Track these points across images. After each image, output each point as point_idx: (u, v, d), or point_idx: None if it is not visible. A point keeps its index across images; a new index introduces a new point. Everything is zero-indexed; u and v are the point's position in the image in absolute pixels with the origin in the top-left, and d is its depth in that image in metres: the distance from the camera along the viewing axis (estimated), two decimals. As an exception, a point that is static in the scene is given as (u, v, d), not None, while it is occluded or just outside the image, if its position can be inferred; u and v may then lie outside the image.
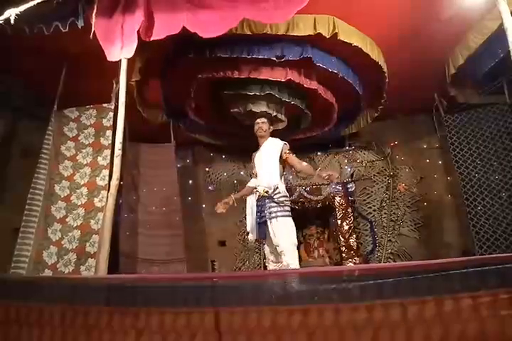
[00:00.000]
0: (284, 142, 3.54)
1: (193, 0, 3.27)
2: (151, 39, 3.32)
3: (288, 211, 3.30)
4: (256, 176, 3.59)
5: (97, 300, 1.56)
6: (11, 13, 2.82)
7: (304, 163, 3.41)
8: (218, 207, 3.45)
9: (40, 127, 4.51)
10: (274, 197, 3.30)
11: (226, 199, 3.50)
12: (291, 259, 3.11)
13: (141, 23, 3.27)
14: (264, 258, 5.93)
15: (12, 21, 2.82)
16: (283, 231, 3.20)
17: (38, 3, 2.90)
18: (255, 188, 3.46)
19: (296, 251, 3.23)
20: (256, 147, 3.74)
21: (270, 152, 3.52)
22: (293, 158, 3.42)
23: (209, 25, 3.24)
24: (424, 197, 6.09)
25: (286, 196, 3.36)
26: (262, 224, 3.29)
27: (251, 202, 3.44)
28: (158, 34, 3.30)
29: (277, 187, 3.33)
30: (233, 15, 3.20)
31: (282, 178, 3.49)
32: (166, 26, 3.29)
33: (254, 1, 3.14)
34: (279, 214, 3.23)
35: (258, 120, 3.71)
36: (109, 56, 3.36)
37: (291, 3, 3.07)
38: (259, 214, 3.34)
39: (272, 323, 1.37)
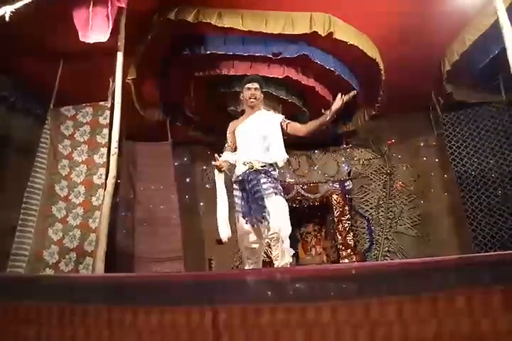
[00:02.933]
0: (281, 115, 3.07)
1: None
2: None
3: (282, 191, 2.79)
4: (234, 150, 3.01)
5: (94, 298, 1.56)
6: (6, 10, 2.81)
7: (308, 125, 2.84)
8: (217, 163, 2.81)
9: (36, 124, 4.49)
10: (272, 172, 2.79)
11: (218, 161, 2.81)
12: (288, 246, 2.65)
13: None
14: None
15: (7, 18, 2.80)
16: (282, 210, 2.68)
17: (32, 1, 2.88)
18: (245, 162, 2.79)
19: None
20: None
21: (268, 124, 2.93)
22: (294, 124, 2.92)
23: None
24: (421, 195, 6.11)
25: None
26: (258, 200, 2.69)
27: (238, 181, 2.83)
28: None
29: (276, 164, 2.83)
30: None
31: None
32: None
33: None
34: (276, 190, 2.71)
35: (249, 85, 3.00)
36: (81, 37, 3.40)
37: None
38: (252, 190, 2.73)
39: (271, 321, 1.37)
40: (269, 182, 2.72)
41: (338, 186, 6.15)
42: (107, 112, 4.10)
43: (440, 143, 5.94)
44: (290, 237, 2.70)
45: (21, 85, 4.87)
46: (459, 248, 5.56)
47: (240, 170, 2.83)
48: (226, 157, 2.93)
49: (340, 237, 5.87)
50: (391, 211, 6.04)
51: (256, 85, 3.00)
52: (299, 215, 6.39)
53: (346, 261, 5.72)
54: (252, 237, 2.76)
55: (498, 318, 1.24)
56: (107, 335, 1.46)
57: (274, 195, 2.67)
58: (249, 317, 1.38)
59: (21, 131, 5.15)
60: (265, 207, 2.65)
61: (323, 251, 6.40)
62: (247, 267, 2.81)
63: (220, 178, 2.88)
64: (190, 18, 3.83)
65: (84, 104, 4.32)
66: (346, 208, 6.03)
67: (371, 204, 6.14)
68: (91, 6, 3.40)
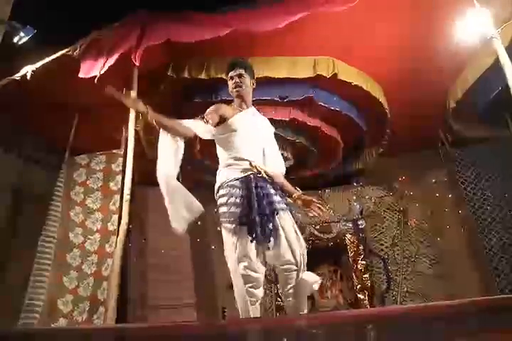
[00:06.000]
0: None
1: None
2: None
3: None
4: (211, 124, 2.39)
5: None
6: (28, 69, 2.99)
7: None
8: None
9: (51, 174, 4.58)
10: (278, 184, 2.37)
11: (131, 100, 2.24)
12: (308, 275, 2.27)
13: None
14: (277, 300, 5.76)
15: (28, 77, 2.98)
16: (295, 231, 2.28)
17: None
18: (250, 162, 2.33)
19: None
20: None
21: (269, 130, 2.62)
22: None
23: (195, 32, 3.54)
24: (437, 233, 5.96)
25: None
26: (269, 216, 2.22)
27: (237, 185, 2.35)
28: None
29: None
30: (221, 26, 3.47)
31: None
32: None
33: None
34: (288, 207, 2.31)
35: (232, 72, 2.43)
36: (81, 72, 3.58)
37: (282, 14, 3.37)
38: (261, 201, 2.24)
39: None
40: (280, 195, 2.31)
41: (351, 225, 6.06)
42: (120, 160, 4.19)
43: (452, 178, 5.89)
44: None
45: (37, 137, 5.05)
46: (482, 286, 5.31)
47: (236, 171, 2.34)
48: (191, 124, 2.29)
49: (356, 278, 5.70)
50: (407, 249, 5.88)
51: (240, 71, 2.43)
52: (313, 256, 6.24)
53: (365, 302, 5.51)
54: (256, 262, 2.19)
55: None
56: None
57: (284, 210, 2.26)
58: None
59: (36, 182, 5.26)
60: (274, 224, 2.22)
61: (340, 293, 6.18)
62: (246, 311, 2.15)
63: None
64: (202, 75, 4.06)
65: (98, 153, 4.43)
66: (361, 248, 5.89)
67: (386, 243, 6.00)
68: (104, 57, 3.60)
